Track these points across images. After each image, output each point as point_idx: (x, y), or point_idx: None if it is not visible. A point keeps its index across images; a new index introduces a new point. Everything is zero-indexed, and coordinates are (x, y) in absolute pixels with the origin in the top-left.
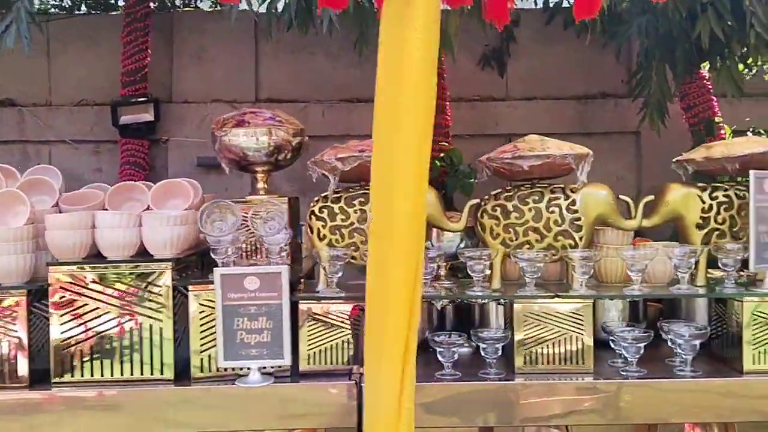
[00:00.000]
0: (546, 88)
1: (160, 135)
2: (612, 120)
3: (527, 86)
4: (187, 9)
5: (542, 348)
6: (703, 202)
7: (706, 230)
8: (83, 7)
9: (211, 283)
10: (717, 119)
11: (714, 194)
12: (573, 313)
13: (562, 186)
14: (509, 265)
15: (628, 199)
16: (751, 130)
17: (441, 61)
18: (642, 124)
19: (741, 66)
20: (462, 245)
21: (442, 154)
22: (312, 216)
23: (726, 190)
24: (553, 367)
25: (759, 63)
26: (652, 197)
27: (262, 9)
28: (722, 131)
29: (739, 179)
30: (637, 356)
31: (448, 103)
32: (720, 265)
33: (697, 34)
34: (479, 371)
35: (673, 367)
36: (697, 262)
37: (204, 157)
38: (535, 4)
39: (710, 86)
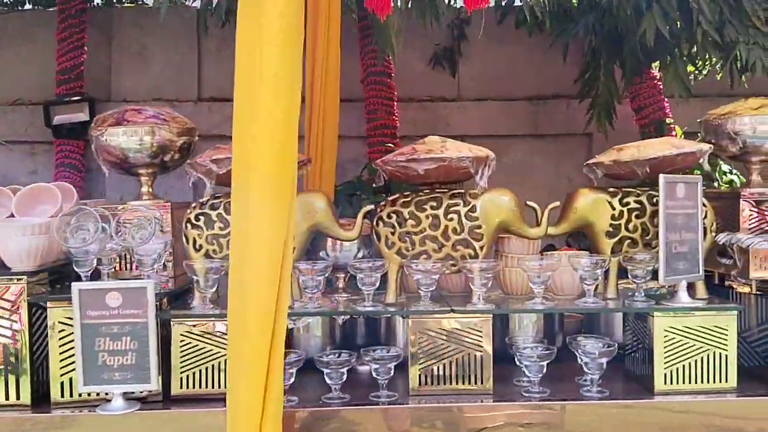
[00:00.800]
0: (498, 88)
1: None
2: (564, 121)
3: (479, 87)
4: (127, 5)
5: (438, 367)
6: (613, 209)
7: (616, 238)
8: (27, 4)
9: (70, 299)
10: (668, 120)
11: (625, 200)
12: (470, 328)
13: (462, 191)
14: None
15: (535, 205)
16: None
17: (388, 61)
18: (590, 125)
19: (691, 67)
20: (360, 255)
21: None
22: (188, 224)
23: (638, 195)
24: (450, 387)
25: (708, 63)
26: (557, 203)
27: (197, 4)
28: (673, 132)
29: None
30: (540, 375)
31: (395, 103)
32: (630, 276)
33: (642, 32)
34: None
35: (582, 387)
36: (607, 272)
37: None
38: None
39: (661, 87)
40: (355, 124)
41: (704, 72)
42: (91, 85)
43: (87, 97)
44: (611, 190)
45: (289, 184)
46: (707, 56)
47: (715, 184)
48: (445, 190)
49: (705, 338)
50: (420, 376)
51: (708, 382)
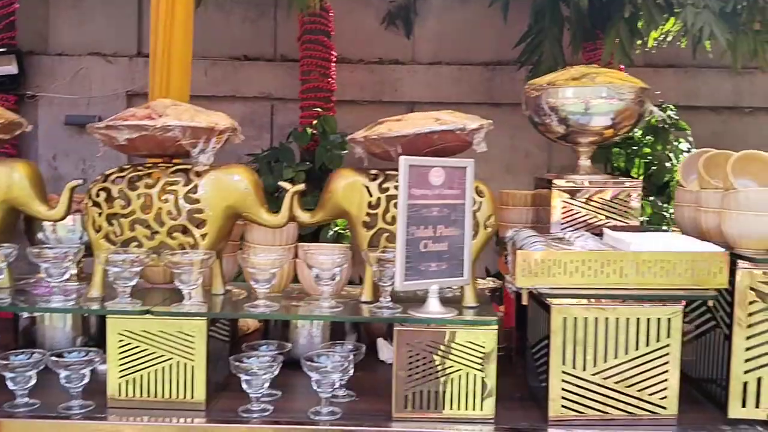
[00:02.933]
0: (455, 52)
1: (30, 89)
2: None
3: (435, 49)
4: None
5: (143, 375)
6: (371, 195)
7: (374, 231)
8: None
9: None
10: None
11: (384, 185)
12: (180, 333)
13: (187, 167)
14: None
15: (286, 185)
16: (661, 105)
17: (327, 19)
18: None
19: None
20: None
21: (314, 122)
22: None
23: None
24: (155, 401)
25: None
26: (302, 186)
27: None
28: None
29: None
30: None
31: (333, 64)
32: (377, 279)
33: None
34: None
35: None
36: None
37: (74, 116)
38: None
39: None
40: (297, 86)
41: (654, 38)
42: (29, 38)
43: (15, 50)
44: (373, 172)
45: None
46: (652, 22)
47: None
48: (167, 165)
49: (461, 358)
50: (122, 384)
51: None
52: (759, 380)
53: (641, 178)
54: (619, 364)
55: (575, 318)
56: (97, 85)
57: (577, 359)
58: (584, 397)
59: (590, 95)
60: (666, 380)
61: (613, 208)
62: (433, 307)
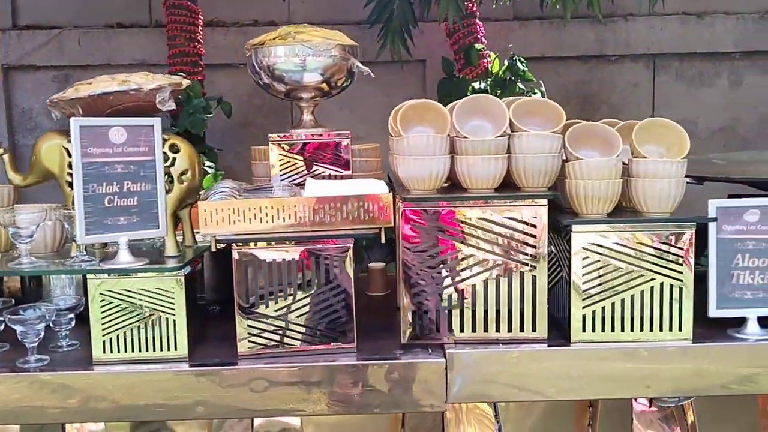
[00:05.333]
0: (328, 12)
1: None
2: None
3: (310, 10)
4: None
5: None
6: (70, 156)
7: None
8: None
9: None
10: (478, 46)
11: None
12: None
13: None
14: None
15: None
16: (512, 57)
17: None
18: (381, 52)
19: None
20: None
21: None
22: None
23: None
24: None
25: None
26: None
27: None
28: (487, 59)
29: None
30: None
31: (201, 28)
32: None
33: None
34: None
35: None
36: None
37: None
38: None
39: (473, 8)
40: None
41: None
42: None
43: None
44: None
45: None
46: None
47: None
48: None
49: (153, 304)
50: None
51: (157, 350)
52: (420, 307)
53: None
54: (301, 299)
55: (254, 260)
56: None
57: (259, 299)
58: (270, 332)
59: (296, 53)
60: (342, 312)
61: (327, 158)
62: (124, 258)
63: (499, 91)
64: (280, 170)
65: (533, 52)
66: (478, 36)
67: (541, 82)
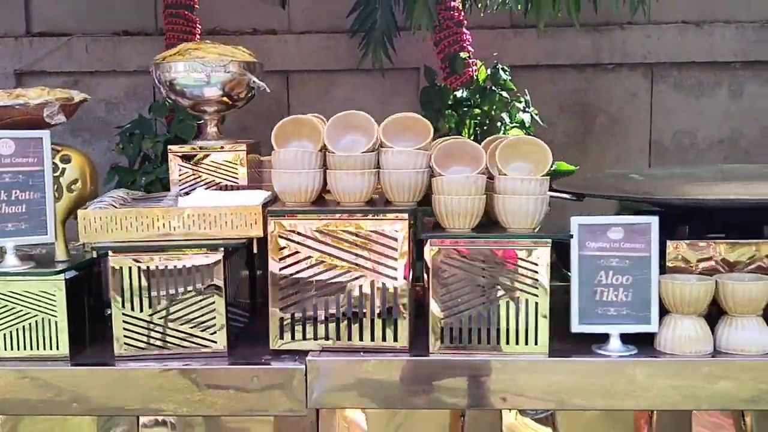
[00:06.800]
0: (326, 20)
1: None
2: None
3: (309, 18)
4: None
5: None
6: None
7: None
8: None
9: None
10: (463, 54)
11: None
12: None
13: None
14: None
15: None
16: (495, 66)
17: None
18: (363, 61)
19: None
20: None
21: None
22: None
23: None
24: None
25: None
26: None
27: None
28: (474, 68)
29: None
30: None
31: (198, 36)
32: None
33: None
34: None
35: None
36: None
37: None
38: None
39: (462, 18)
40: None
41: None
42: None
43: None
44: None
45: None
46: None
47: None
48: None
49: (33, 304)
50: None
51: (40, 349)
52: (292, 315)
53: (471, 137)
54: (174, 305)
55: (129, 268)
56: None
57: (135, 304)
58: (144, 335)
59: (193, 69)
60: (214, 318)
61: (222, 170)
62: (10, 262)
63: (479, 100)
64: (181, 181)
65: (528, 60)
66: (464, 44)
67: (525, 90)
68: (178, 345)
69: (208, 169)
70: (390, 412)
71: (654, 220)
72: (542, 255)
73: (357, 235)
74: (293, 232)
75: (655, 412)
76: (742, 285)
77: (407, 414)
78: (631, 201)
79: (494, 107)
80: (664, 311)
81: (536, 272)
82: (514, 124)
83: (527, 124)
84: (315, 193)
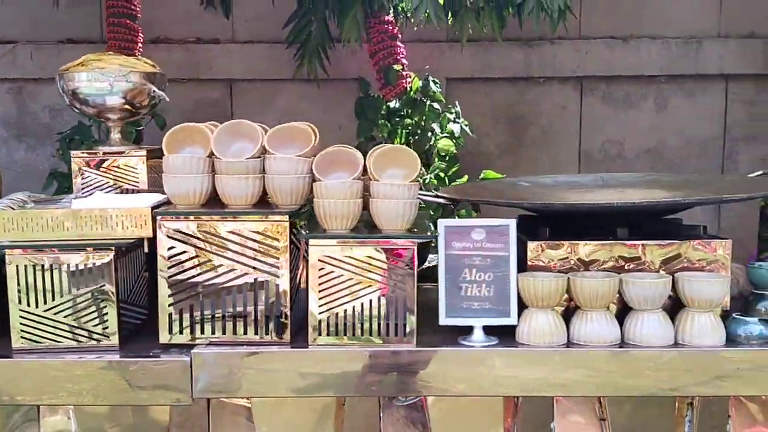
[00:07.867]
0: (269, 30)
1: None
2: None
3: (253, 29)
4: None
5: None
6: None
7: None
8: None
9: None
10: (397, 67)
11: None
12: None
13: None
14: None
15: None
16: (426, 78)
17: (133, 3)
18: (299, 71)
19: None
20: None
21: None
22: None
23: None
24: None
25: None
26: None
27: None
28: (408, 80)
29: None
30: None
31: (140, 45)
32: None
33: None
34: None
35: None
36: None
37: None
38: None
39: (395, 31)
40: None
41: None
42: None
43: None
44: None
45: None
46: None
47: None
48: None
49: None
50: None
51: None
52: (181, 311)
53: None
54: (68, 302)
55: (25, 266)
56: None
57: (31, 300)
58: (40, 330)
59: (94, 79)
60: (107, 314)
61: (124, 174)
62: None
63: (410, 110)
64: (84, 184)
65: (463, 73)
66: (398, 57)
67: (456, 102)
68: (73, 339)
69: (110, 174)
70: (276, 401)
71: (512, 223)
72: (409, 254)
73: (240, 236)
74: (180, 232)
75: (520, 399)
76: (590, 281)
77: (293, 402)
78: (501, 206)
79: (425, 118)
80: (524, 306)
81: (402, 269)
82: (444, 135)
83: (457, 135)
84: (204, 197)
